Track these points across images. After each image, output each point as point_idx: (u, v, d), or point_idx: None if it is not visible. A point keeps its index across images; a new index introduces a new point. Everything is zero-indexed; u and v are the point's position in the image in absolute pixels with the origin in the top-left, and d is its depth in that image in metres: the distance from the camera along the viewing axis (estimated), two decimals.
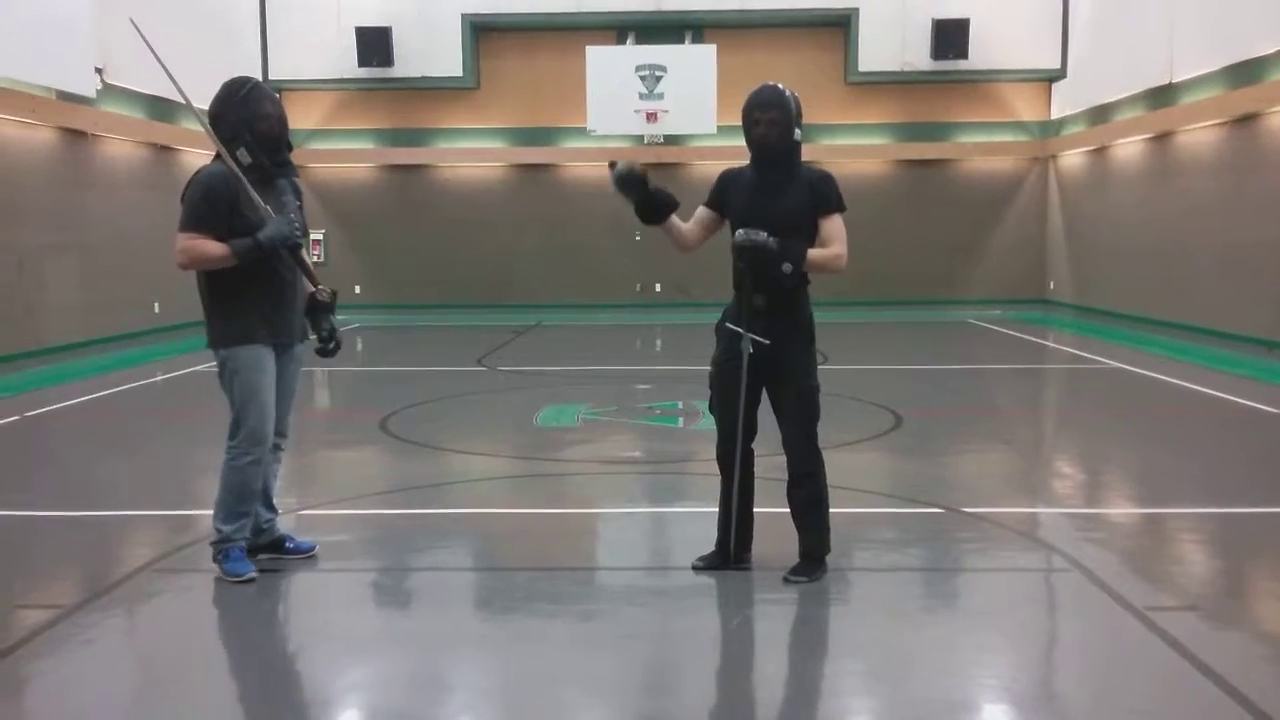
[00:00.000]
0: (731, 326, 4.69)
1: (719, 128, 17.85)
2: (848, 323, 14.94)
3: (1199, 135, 14.24)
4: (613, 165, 4.56)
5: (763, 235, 4.44)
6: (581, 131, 18.70)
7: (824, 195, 4.56)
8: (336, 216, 19.55)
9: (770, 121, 4.54)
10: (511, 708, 3.63)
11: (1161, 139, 15.27)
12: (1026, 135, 19.39)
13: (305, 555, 4.99)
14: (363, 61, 18.36)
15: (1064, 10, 18.28)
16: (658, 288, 19.60)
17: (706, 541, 4.89)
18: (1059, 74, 18.62)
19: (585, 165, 19.57)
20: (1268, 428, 8.33)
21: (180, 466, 7.29)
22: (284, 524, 5.19)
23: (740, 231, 4.50)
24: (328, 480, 6.97)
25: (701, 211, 4.82)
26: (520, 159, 19.53)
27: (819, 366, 4.75)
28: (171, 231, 4.61)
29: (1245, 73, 13.02)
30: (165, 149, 15.64)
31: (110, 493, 6.56)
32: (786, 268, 4.45)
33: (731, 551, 4.79)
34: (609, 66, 18.14)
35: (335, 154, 19.41)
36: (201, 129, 4.68)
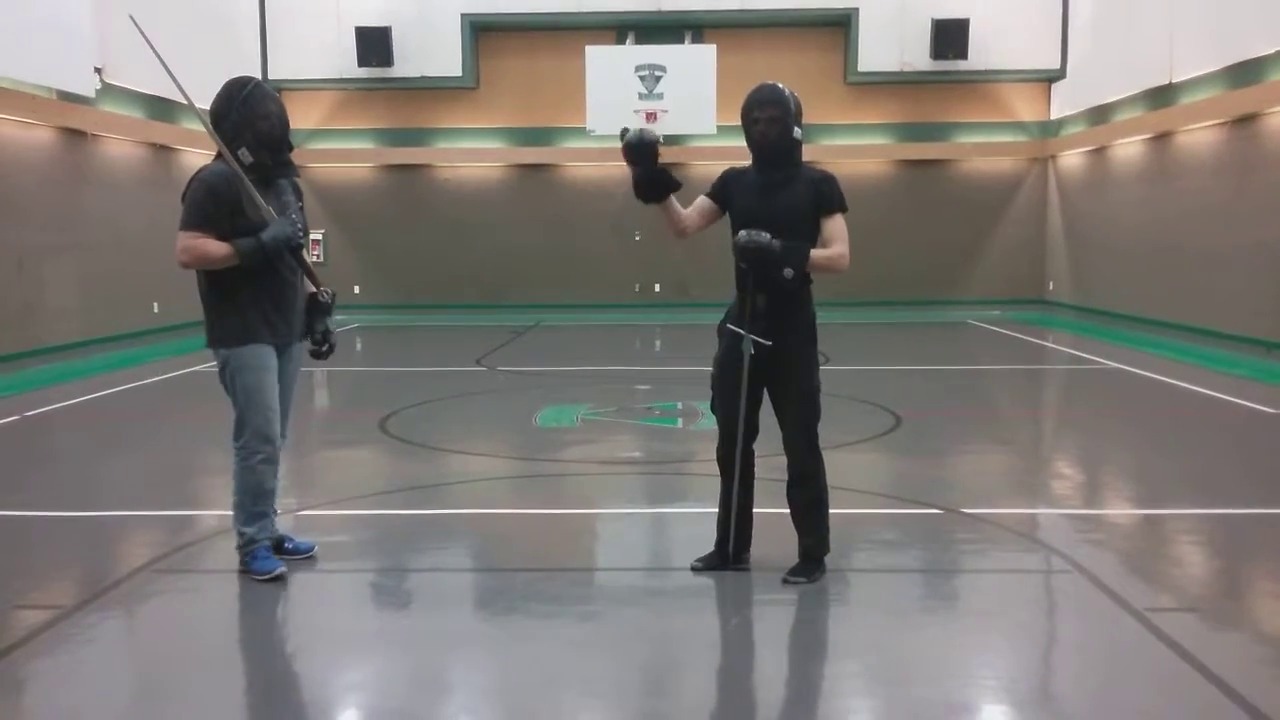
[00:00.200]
0: (733, 328, 4.69)
1: (719, 128, 17.84)
2: (847, 323, 14.95)
3: (1199, 136, 14.24)
4: (624, 132, 4.56)
5: (765, 236, 4.44)
6: (581, 131, 18.69)
7: (826, 195, 4.55)
8: (336, 216, 19.55)
9: (770, 119, 4.54)
10: (511, 708, 3.63)
11: (1161, 139, 15.27)
12: (1026, 135, 19.39)
13: (304, 556, 5.00)
14: (362, 61, 18.36)
15: (1064, 10, 18.28)
16: (657, 288, 19.60)
17: (706, 542, 4.90)
18: (1059, 74, 18.62)
19: (585, 165, 19.58)
20: (1267, 429, 8.33)
21: (179, 467, 7.29)
22: (283, 524, 5.20)
23: (743, 232, 4.49)
24: (327, 481, 6.97)
25: (701, 200, 4.82)
26: (520, 159, 19.53)
27: (820, 367, 4.75)
28: (171, 231, 4.61)
29: (1245, 73, 13.02)
30: (165, 149, 15.63)
31: (109, 493, 6.56)
32: (788, 273, 4.46)
33: (731, 552, 4.79)
34: (608, 66, 18.14)
35: (335, 154, 19.40)
36: (202, 129, 4.69)
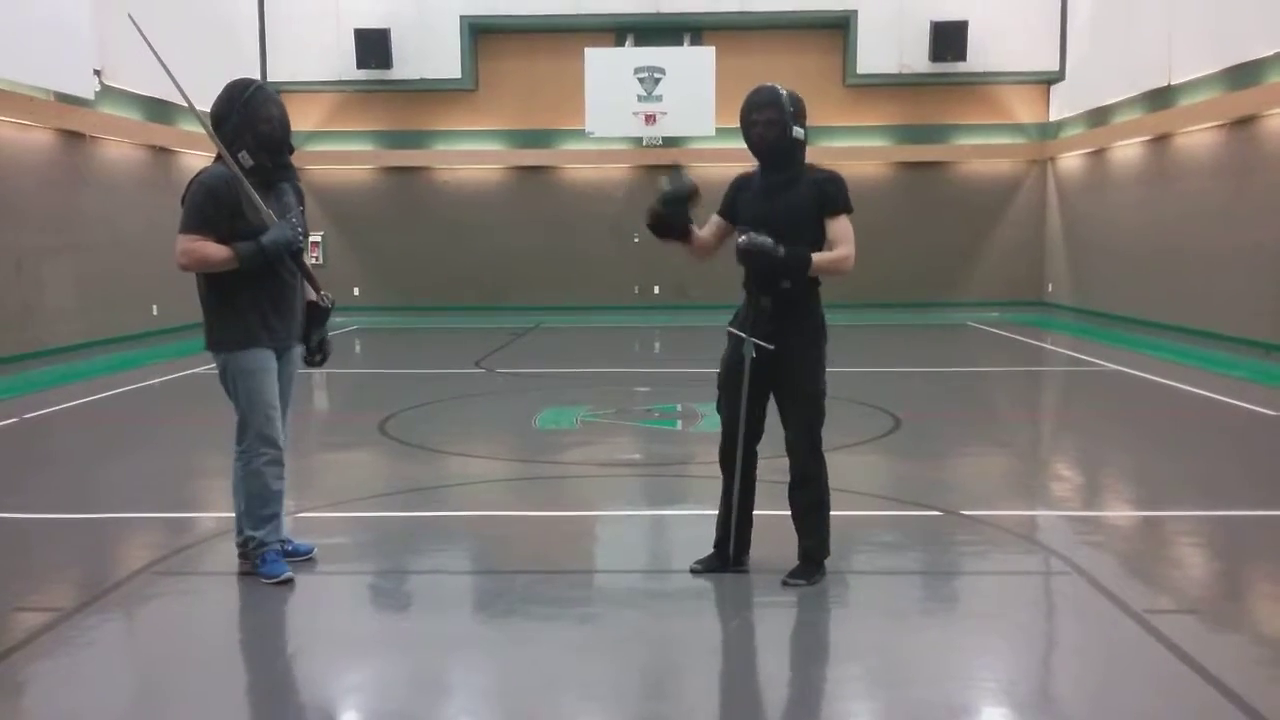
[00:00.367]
0: (734, 331, 4.69)
1: (718, 130, 17.85)
2: (846, 325, 14.94)
3: (1198, 137, 14.26)
4: (674, 171, 4.56)
5: (767, 239, 4.44)
6: (580, 133, 18.71)
7: (830, 196, 4.53)
8: (335, 218, 19.55)
9: (767, 122, 4.54)
10: (510, 710, 3.63)
11: (1160, 141, 15.28)
12: (1025, 137, 19.40)
13: (304, 558, 4.99)
14: (361, 63, 18.37)
15: (1062, 12, 18.29)
16: (656, 290, 19.61)
17: (705, 544, 4.90)
18: (1057, 76, 18.63)
19: (584, 167, 19.59)
20: (1266, 430, 8.33)
21: (179, 469, 7.29)
22: (284, 526, 5.16)
23: (743, 236, 4.50)
24: (326, 482, 6.96)
25: (714, 218, 4.84)
26: (519, 161, 19.53)
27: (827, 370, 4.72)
28: (170, 234, 4.60)
29: (1244, 75, 13.03)
30: (164, 151, 15.64)
31: (109, 495, 6.56)
32: (785, 285, 4.48)
33: (730, 553, 4.79)
34: (607, 68, 18.16)
35: (334, 156, 19.41)
36: (201, 131, 4.68)
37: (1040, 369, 12.84)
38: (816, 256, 4.48)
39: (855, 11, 18.37)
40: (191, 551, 5.30)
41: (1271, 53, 12.43)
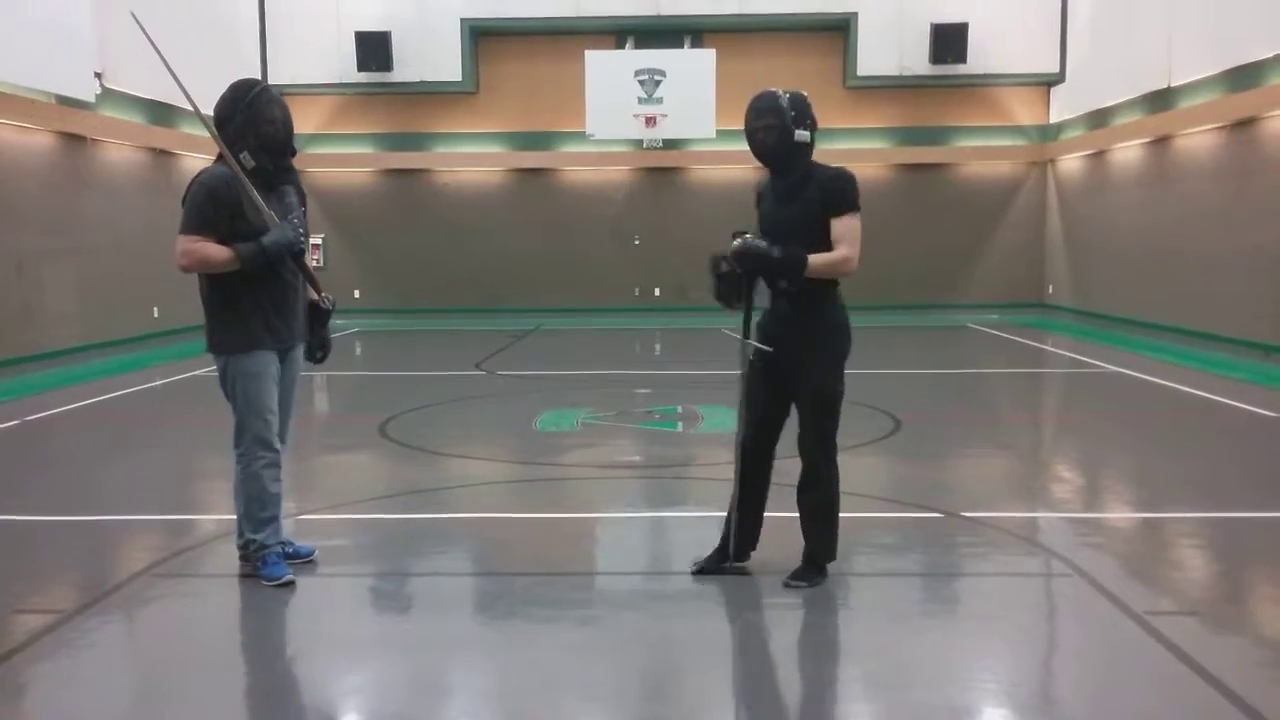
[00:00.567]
0: (731, 333, 4.69)
1: (718, 132, 17.87)
2: None
3: (1197, 139, 14.26)
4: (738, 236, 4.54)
5: (760, 242, 4.45)
6: (580, 136, 18.72)
7: (834, 195, 4.52)
8: (336, 221, 19.56)
9: (767, 128, 4.55)
10: (510, 712, 3.63)
11: (1160, 143, 15.29)
12: (1025, 139, 19.41)
13: (304, 560, 4.99)
14: (362, 66, 18.38)
15: (1062, 14, 18.31)
16: (657, 292, 19.60)
17: (705, 546, 4.90)
18: (1057, 78, 18.64)
19: (584, 170, 19.60)
20: (1266, 432, 8.33)
21: (179, 471, 7.30)
22: (284, 528, 5.16)
23: (738, 240, 4.50)
24: (327, 485, 6.96)
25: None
26: (519, 163, 19.54)
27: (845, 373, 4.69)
28: (171, 236, 4.59)
29: (1244, 77, 13.04)
30: (164, 154, 15.64)
31: (109, 497, 6.56)
32: (782, 284, 4.50)
33: (732, 549, 4.78)
34: (608, 71, 18.17)
35: (335, 158, 19.42)
36: (202, 133, 4.68)
37: (1041, 371, 12.84)
38: (814, 258, 4.45)
39: (855, 14, 18.38)
40: (192, 554, 5.30)
41: (1271, 55, 12.44)
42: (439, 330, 17.39)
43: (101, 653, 4.12)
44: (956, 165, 19.42)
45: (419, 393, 10.61)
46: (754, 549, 4.84)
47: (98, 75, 13.61)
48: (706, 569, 4.82)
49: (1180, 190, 14.73)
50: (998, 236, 19.64)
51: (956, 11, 18.24)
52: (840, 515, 4.74)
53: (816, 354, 4.57)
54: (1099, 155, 17.34)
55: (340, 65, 18.50)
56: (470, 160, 19.54)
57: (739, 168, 18.68)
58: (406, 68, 18.54)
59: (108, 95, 13.99)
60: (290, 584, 4.70)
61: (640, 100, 18.21)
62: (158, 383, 11.41)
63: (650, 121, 18.23)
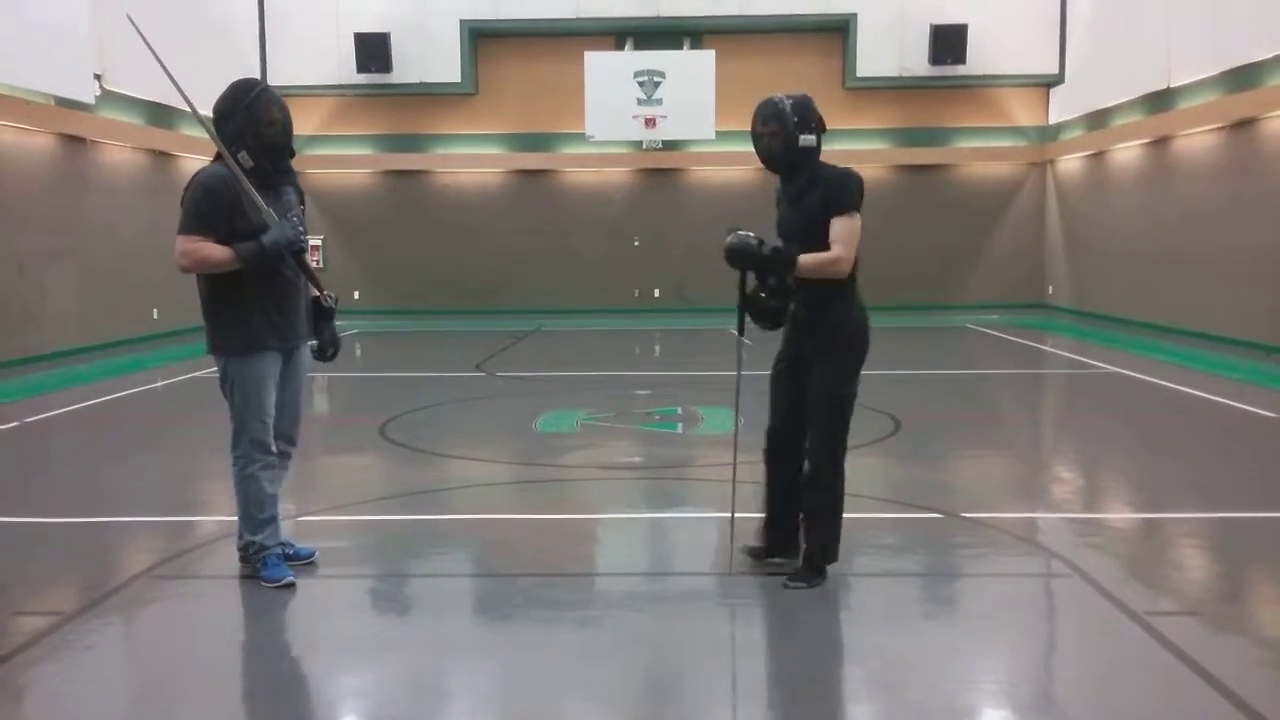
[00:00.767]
0: (734, 332, 4.73)
1: (718, 133, 17.88)
2: None
3: (1197, 140, 14.27)
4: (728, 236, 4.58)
5: (749, 238, 4.49)
6: (580, 137, 18.73)
7: (833, 195, 4.54)
8: (335, 222, 19.56)
9: (770, 134, 4.58)
10: (512, 713, 3.63)
11: (1159, 144, 15.30)
12: (1024, 140, 19.42)
13: (305, 561, 4.99)
14: (361, 67, 18.39)
15: (1062, 15, 18.32)
16: (656, 293, 19.61)
17: (705, 546, 4.90)
18: (1057, 79, 18.65)
19: (584, 171, 19.60)
20: (1266, 432, 8.33)
21: (179, 473, 7.30)
22: (284, 530, 5.16)
23: (731, 235, 4.54)
24: (327, 486, 6.97)
25: None
26: (519, 165, 19.55)
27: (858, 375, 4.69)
28: (171, 237, 4.55)
29: (1243, 78, 13.04)
30: (164, 155, 15.65)
31: (109, 498, 6.56)
32: (771, 280, 4.52)
33: (765, 546, 4.83)
34: (607, 72, 18.18)
35: (334, 159, 19.42)
36: (202, 135, 4.67)
37: (1040, 371, 12.84)
38: (805, 257, 4.46)
39: (855, 15, 18.39)
40: (192, 555, 5.30)
41: (1270, 55, 12.45)
42: (439, 331, 17.39)
43: (101, 655, 4.12)
44: (956, 166, 19.43)
45: (419, 394, 10.61)
46: (787, 550, 4.82)
47: (97, 77, 13.62)
48: (755, 554, 4.86)
49: (1180, 191, 14.73)
50: (997, 237, 19.65)
51: (956, 12, 18.25)
52: (843, 518, 4.74)
53: (827, 354, 4.59)
54: (1098, 156, 17.35)
55: (339, 66, 18.51)
56: (470, 162, 19.55)
57: (738, 169, 18.69)
58: (406, 69, 18.55)
59: (107, 97, 14.00)
60: (291, 585, 4.70)
61: (640, 101, 18.22)
62: (158, 384, 11.42)
63: (650, 123, 18.24)
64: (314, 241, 18.91)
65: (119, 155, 14.71)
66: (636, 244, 19.47)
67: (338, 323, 4.94)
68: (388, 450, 7.92)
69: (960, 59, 18.27)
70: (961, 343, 15.35)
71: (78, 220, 13.70)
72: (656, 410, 9.66)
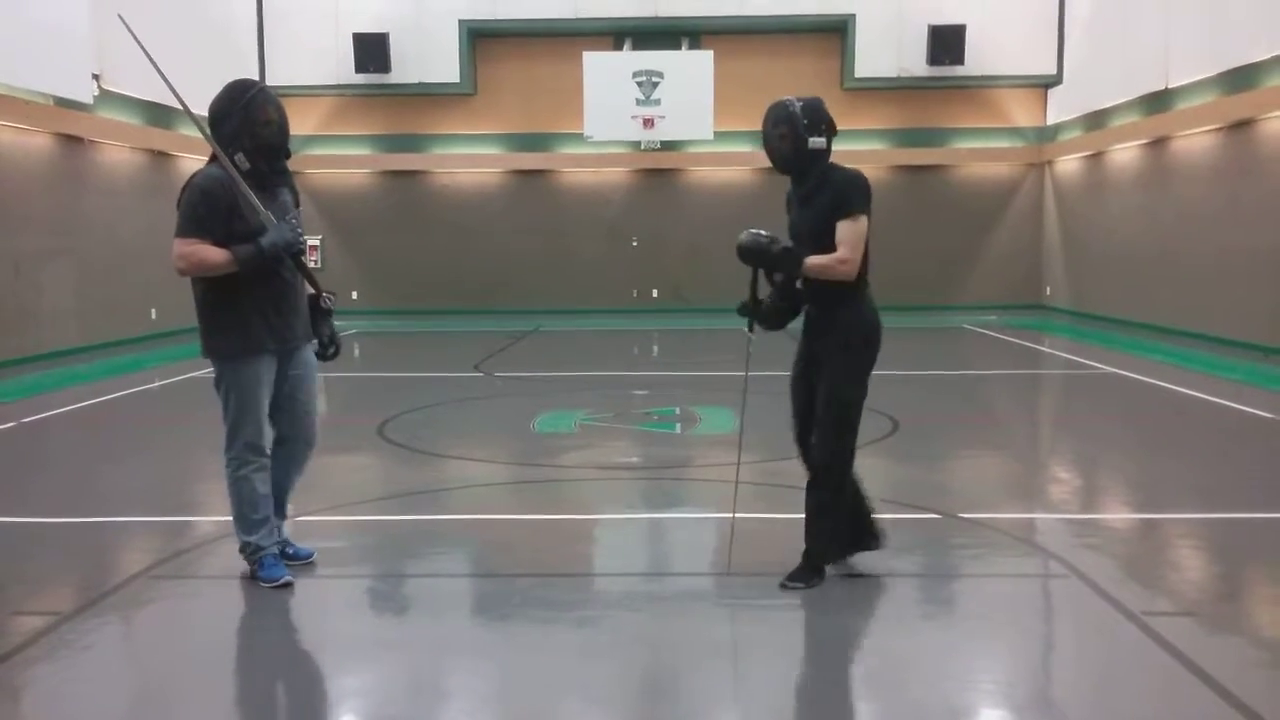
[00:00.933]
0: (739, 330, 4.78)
1: (716, 134, 17.88)
2: None
3: (1195, 141, 14.28)
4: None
5: (764, 238, 4.51)
6: (578, 137, 18.73)
7: (840, 197, 4.56)
8: (333, 222, 19.56)
9: (780, 136, 4.61)
10: (510, 714, 3.63)
11: (1157, 144, 15.31)
12: (1023, 141, 19.43)
13: (304, 562, 4.98)
14: (360, 67, 18.39)
15: (1060, 16, 18.34)
16: (654, 293, 19.62)
17: (704, 547, 4.90)
18: (1055, 80, 18.67)
19: (582, 171, 19.60)
20: (1264, 433, 8.34)
21: (177, 473, 7.30)
22: (284, 529, 5.15)
23: (744, 233, 4.58)
24: (325, 486, 6.94)
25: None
26: (517, 165, 19.55)
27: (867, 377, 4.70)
28: (169, 237, 4.53)
29: (1241, 78, 13.06)
30: (162, 155, 15.65)
31: (107, 499, 6.56)
32: (777, 277, 4.58)
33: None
34: (606, 72, 18.18)
35: (332, 160, 19.42)
36: (199, 133, 4.65)
37: (1038, 372, 12.84)
38: (812, 259, 4.49)
39: (853, 15, 18.41)
40: (190, 555, 5.30)
41: (1268, 56, 12.46)
42: (437, 331, 17.39)
43: (99, 655, 4.12)
44: (954, 167, 19.44)
45: (417, 394, 10.61)
46: (874, 545, 4.83)
47: (95, 77, 13.62)
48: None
49: (1177, 192, 14.75)
50: (995, 238, 19.66)
51: (954, 13, 18.27)
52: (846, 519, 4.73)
53: (835, 355, 4.61)
54: (1096, 157, 17.36)
55: (338, 66, 18.51)
56: (468, 162, 19.55)
57: (737, 169, 18.70)
58: (404, 69, 18.55)
59: (105, 97, 14.00)
60: (288, 585, 4.69)
61: (638, 102, 18.22)
62: (156, 384, 11.41)
63: (648, 123, 18.24)
64: (312, 241, 18.91)
65: (117, 155, 14.70)
66: (635, 244, 19.47)
67: (336, 323, 4.94)
68: (386, 450, 7.92)
69: (958, 60, 18.29)
70: (959, 343, 15.35)
71: (76, 220, 13.70)
72: (654, 410, 9.66)
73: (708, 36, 18.80)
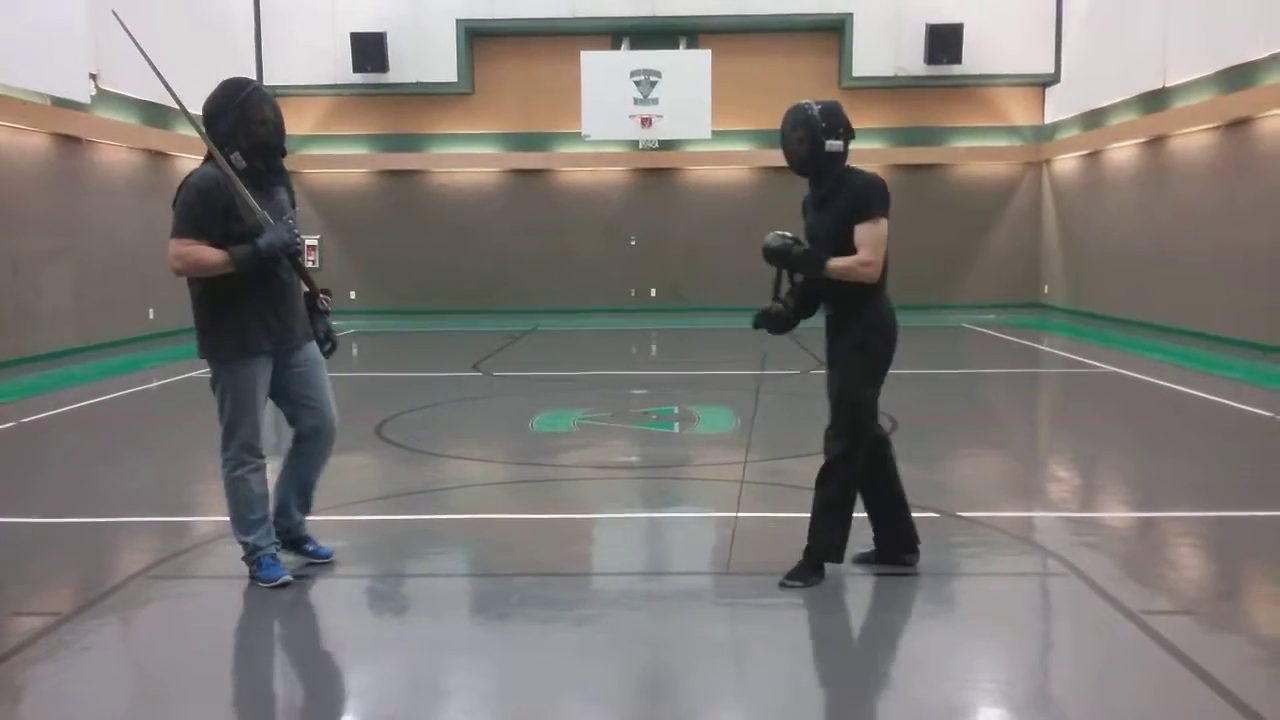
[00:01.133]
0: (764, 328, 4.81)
1: (714, 133, 17.88)
2: None
3: (1192, 139, 14.29)
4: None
5: (787, 238, 4.58)
6: (576, 137, 18.73)
7: (858, 201, 4.57)
8: (331, 222, 19.55)
9: (798, 139, 4.63)
10: (509, 713, 3.63)
11: (1155, 143, 15.32)
12: (1020, 140, 19.44)
13: (323, 561, 4.97)
14: (357, 67, 18.38)
15: (1058, 15, 18.35)
16: (653, 293, 19.61)
17: (704, 546, 4.90)
18: (1053, 78, 18.67)
19: (580, 170, 19.60)
20: (1262, 431, 8.34)
21: (175, 473, 7.29)
22: (304, 527, 5.12)
23: (770, 234, 4.64)
24: (324, 486, 6.86)
25: None
26: (515, 164, 19.55)
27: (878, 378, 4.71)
28: (166, 237, 4.51)
29: (1238, 77, 13.06)
30: (159, 155, 15.64)
31: (105, 499, 6.55)
32: (797, 278, 4.61)
33: (875, 550, 4.88)
34: (604, 72, 18.18)
35: (330, 159, 19.41)
36: (196, 133, 4.63)
37: (1036, 371, 12.85)
38: (834, 261, 4.52)
39: (851, 14, 18.41)
40: (188, 555, 5.30)
41: (1266, 55, 12.47)
42: (435, 331, 17.39)
43: (98, 655, 4.12)
44: (952, 166, 19.45)
45: (415, 394, 10.61)
46: (908, 550, 4.85)
47: (92, 76, 13.61)
48: (866, 559, 4.89)
49: (1175, 190, 14.76)
50: (993, 237, 19.67)
51: (952, 12, 18.28)
52: (851, 519, 4.73)
53: (848, 355, 4.63)
54: (1094, 155, 17.37)
55: (335, 66, 18.50)
56: (466, 161, 19.54)
57: (735, 168, 18.70)
58: (402, 69, 18.55)
59: (103, 97, 13.99)
60: (287, 585, 4.69)
61: (636, 101, 18.22)
62: (154, 384, 11.40)
63: (646, 122, 18.24)
64: (310, 241, 18.92)
65: (114, 155, 14.69)
66: (633, 243, 19.46)
67: (334, 322, 4.94)
68: (384, 450, 7.91)
69: (956, 58, 18.29)
70: (957, 342, 15.36)
71: (73, 220, 13.69)
72: (653, 410, 9.66)
73: (705, 36, 18.80)
